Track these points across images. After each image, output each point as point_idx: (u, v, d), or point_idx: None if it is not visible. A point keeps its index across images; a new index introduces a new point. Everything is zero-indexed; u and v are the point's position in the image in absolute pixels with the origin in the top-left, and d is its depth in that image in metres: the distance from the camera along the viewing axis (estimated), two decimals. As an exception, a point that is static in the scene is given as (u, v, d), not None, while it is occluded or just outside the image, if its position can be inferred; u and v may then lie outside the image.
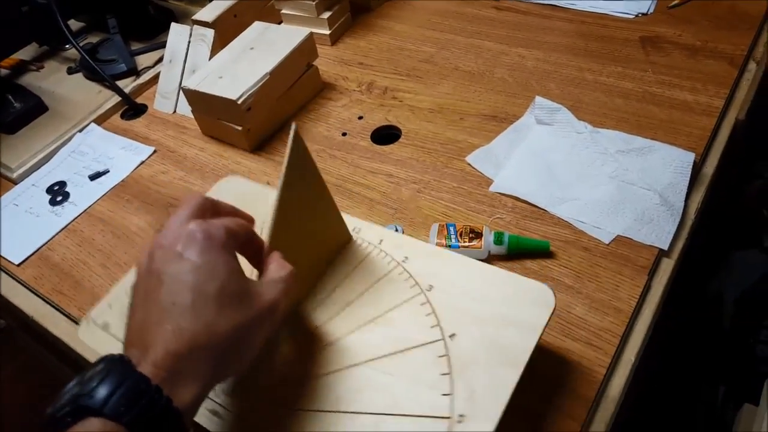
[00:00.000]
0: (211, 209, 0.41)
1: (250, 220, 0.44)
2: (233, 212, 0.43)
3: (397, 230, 0.61)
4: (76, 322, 0.61)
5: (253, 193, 0.61)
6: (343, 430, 0.41)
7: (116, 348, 0.49)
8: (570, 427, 0.44)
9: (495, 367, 0.42)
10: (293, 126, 0.43)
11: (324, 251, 0.51)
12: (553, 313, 0.45)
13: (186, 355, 0.33)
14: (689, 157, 0.60)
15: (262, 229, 0.48)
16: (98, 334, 0.51)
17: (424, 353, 0.43)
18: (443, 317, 0.45)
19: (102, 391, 0.31)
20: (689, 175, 0.59)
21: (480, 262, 0.49)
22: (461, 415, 0.39)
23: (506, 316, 0.44)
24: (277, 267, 0.40)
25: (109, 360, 0.33)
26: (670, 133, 0.65)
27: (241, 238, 0.40)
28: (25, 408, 1.01)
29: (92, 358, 0.55)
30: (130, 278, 0.57)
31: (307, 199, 0.46)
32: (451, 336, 0.44)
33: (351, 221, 0.53)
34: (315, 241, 0.49)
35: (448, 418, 0.40)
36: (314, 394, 0.43)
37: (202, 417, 0.43)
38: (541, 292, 0.46)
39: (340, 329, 0.46)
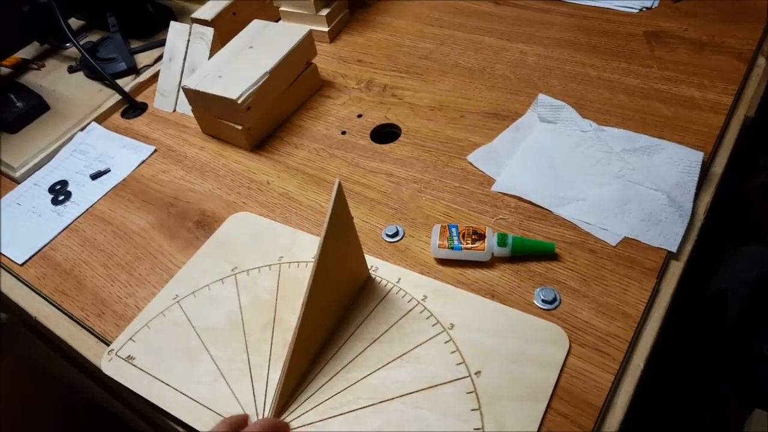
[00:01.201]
0: (243, 424, 0.46)
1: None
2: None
3: (398, 231, 0.60)
4: (78, 322, 0.61)
5: (263, 229, 0.64)
6: None
7: (143, 379, 0.52)
8: (576, 436, 0.43)
9: (520, 402, 0.44)
10: (337, 180, 0.46)
11: (350, 288, 0.54)
12: (568, 352, 0.47)
13: None
14: (698, 156, 0.59)
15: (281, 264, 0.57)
16: (123, 366, 0.54)
17: (453, 390, 0.46)
18: (467, 355, 0.48)
19: None
20: (698, 175, 0.58)
21: (495, 303, 0.52)
22: None
23: (525, 354, 0.47)
24: None
25: None
26: (677, 131, 0.63)
27: None
28: (25, 404, 1.02)
29: (96, 361, 0.56)
30: (150, 311, 0.58)
31: (341, 244, 0.49)
32: (477, 373, 0.46)
33: (368, 260, 0.56)
34: (345, 279, 0.52)
35: None
36: (351, 428, 0.45)
37: None
38: (555, 331, 0.49)
39: (368, 365, 0.49)
